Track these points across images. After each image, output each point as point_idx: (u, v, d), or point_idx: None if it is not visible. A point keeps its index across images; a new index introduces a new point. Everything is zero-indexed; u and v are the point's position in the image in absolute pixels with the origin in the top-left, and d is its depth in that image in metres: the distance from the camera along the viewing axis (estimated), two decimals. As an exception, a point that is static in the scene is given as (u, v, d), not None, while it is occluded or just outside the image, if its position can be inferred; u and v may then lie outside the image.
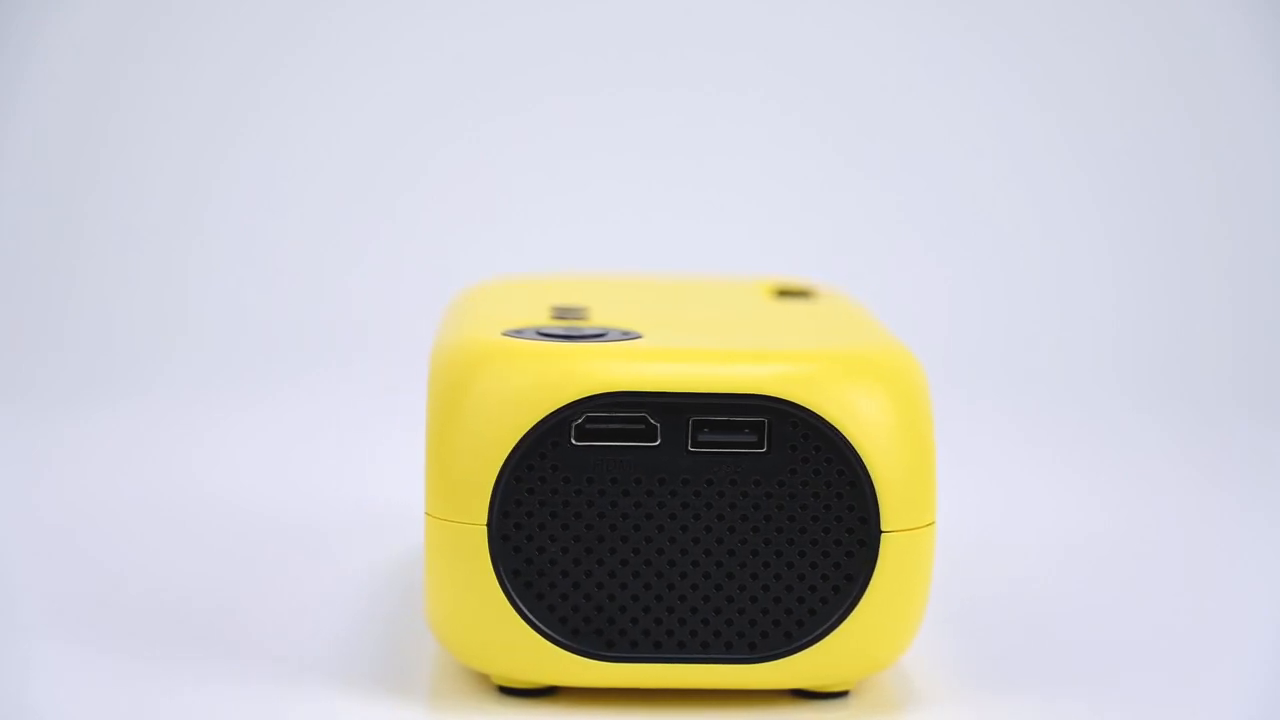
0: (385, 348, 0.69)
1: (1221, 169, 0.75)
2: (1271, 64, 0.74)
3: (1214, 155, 0.76)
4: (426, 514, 0.37)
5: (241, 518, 0.52)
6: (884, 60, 0.77)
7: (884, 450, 0.37)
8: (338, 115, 0.76)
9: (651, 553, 0.37)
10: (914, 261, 0.75)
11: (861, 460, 0.37)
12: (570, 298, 0.43)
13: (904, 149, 0.76)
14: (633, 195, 0.76)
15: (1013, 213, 0.76)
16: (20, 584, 0.46)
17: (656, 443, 0.37)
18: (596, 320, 0.40)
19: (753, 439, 0.37)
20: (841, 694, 0.39)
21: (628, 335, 0.39)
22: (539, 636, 0.37)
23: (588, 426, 0.37)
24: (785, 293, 0.46)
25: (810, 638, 0.37)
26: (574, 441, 0.37)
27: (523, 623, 0.37)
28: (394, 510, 0.51)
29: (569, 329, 0.39)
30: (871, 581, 0.37)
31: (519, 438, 0.36)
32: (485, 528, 0.37)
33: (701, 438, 0.37)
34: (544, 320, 0.40)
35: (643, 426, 0.37)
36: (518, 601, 0.37)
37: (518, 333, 0.39)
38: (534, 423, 0.36)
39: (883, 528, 0.37)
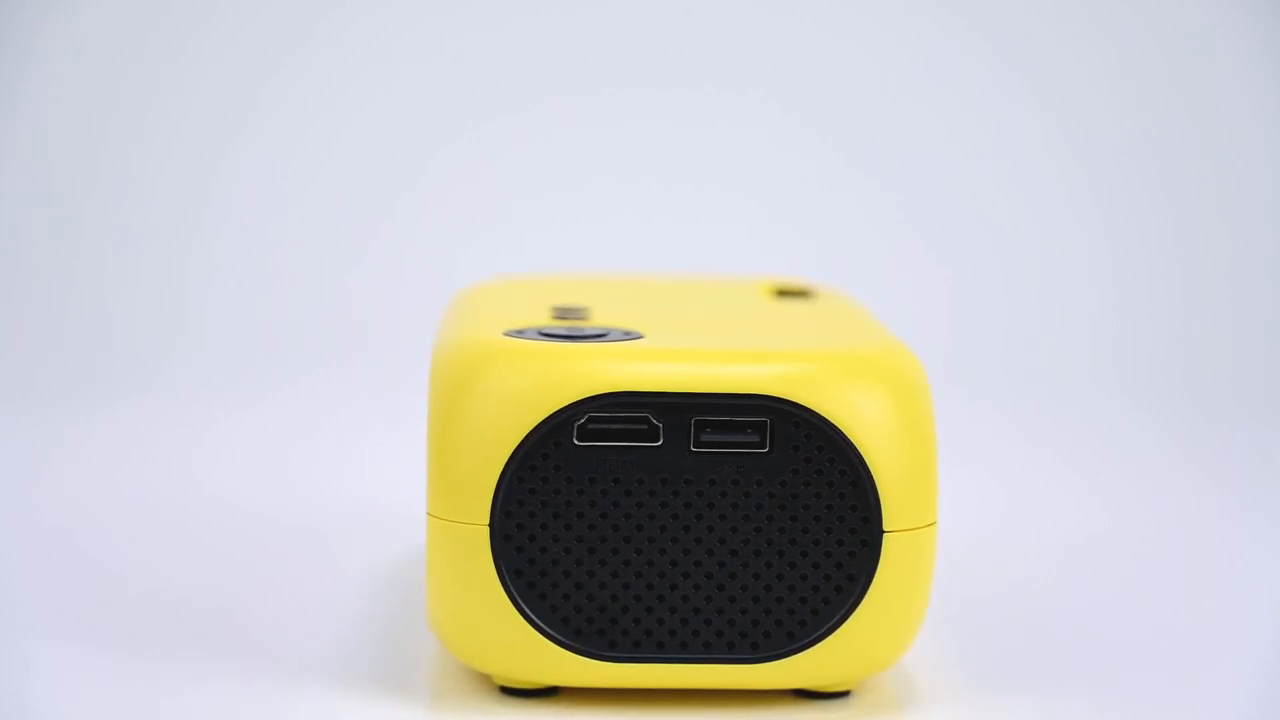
0: (385, 348, 0.69)
1: (1221, 169, 0.75)
2: (1271, 64, 0.74)
3: (1214, 155, 0.76)
4: (428, 514, 0.37)
5: (241, 518, 0.52)
6: (884, 60, 0.77)
7: (886, 450, 0.37)
8: (338, 115, 0.76)
9: (654, 553, 0.37)
10: (914, 261, 0.75)
11: (864, 460, 0.37)
12: (570, 298, 0.43)
13: (904, 149, 0.76)
14: (633, 195, 0.76)
15: (1013, 213, 0.76)
16: (20, 584, 0.46)
17: (659, 443, 0.37)
18: (597, 320, 0.40)
19: (755, 439, 0.37)
20: (843, 694, 0.39)
21: (629, 335, 0.39)
22: (541, 637, 0.37)
23: (590, 426, 0.37)
24: (785, 293, 0.46)
25: (812, 638, 0.37)
26: (576, 441, 0.37)
27: (525, 623, 0.37)
28: (394, 510, 0.51)
29: (570, 329, 0.39)
30: (873, 581, 0.37)
31: (521, 438, 0.36)
32: (487, 528, 0.37)
33: (704, 438, 0.37)
34: (545, 320, 0.40)
35: (645, 426, 0.37)
36: (520, 602, 0.37)
37: (519, 333, 0.39)
38: (536, 423, 0.36)
39: (885, 527, 0.37)
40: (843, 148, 0.76)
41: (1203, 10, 0.75)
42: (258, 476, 0.57)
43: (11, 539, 0.50)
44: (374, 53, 0.76)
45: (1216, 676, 0.42)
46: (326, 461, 0.59)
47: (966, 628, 0.44)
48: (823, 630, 0.37)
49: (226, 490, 0.55)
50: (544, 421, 0.36)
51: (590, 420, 0.37)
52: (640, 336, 0.38)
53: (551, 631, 0.37)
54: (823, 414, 0.37)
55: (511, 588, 0.37)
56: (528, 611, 0.37)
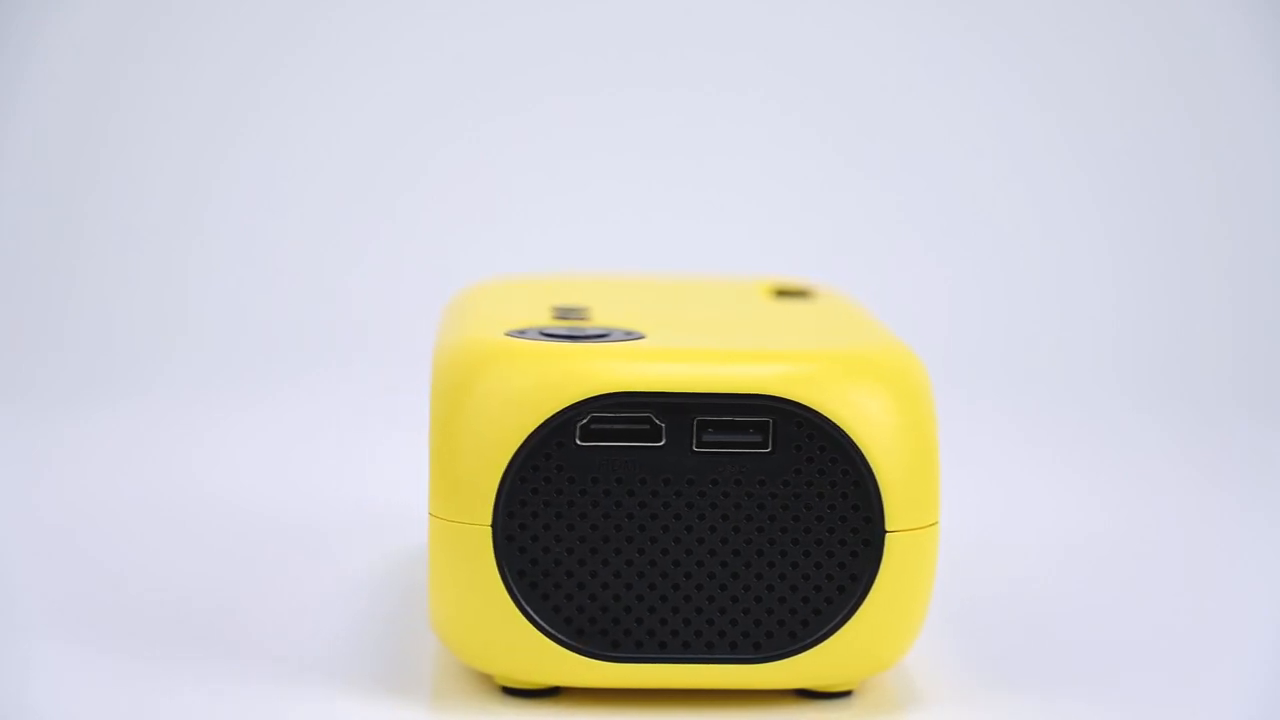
0: (385, 348, 0.69)
1: (1221, 169, 0.75)
2: (1271, 64, 0.74)
3: (1214, 155, 0.76)
4: (430, 515, 0.37)
5: (241, 518, 0.52)
6: (884, 60, 0.77)
7: (888, 450, 0.37)
8: (338, 115, 0.76)
9: (656, 553, 0.37)
10: (914, 261, 0.75)
11: (866, 460, 0.37)
12: (570, 298, 0.43)
13: (904, 149, 0.76)
14: (633, 195, 0.76)
15: (1013, 213, 0.76)
16: (20, 584, 0.46)
17: (661, 443, 0.37)
18: (598, 320, 0.40)
19: (757, 439, 0.37)
20: (845, 694, 0.39)
21: (631, 335, 0.39)
22: (543, 637, 0.37)
23: (592, 427, 0.37)
24: (784, 293, 0.46)
25: (815, 638, 0.37)
26: (579, 442, 0.37)
27: (527, 623, 0.37)
28: (394, 510, 0.51)
29: (572, 329, 0.39)
30: (876, 581, 0.37)
31: (523, 438, 0.36)
32: (490, 528, 0.37)
33: (706, 438, 0.37)
34: (545, 320, 0.40)
35: (647, 427, 0.37)
36: (522, 602, 0.37)
37: (521, 333, 0.39)
38: (539, 423, 0.36)
39: (887, 527, 0.37)
40: (843, 148, 0.76)
41: (1203, 10, 0.75)
42: (258, 476, 0.57)
43: (11, 539, 0.50)
44: (374, 53, 0.76)
45: (1216, 676, 0.42)
46: (326, 461, 0.59)
47: (967, 628, 0.44)
48: (825, 630, 0.37)
49: (226, 490, 0.55)
50: (546, 422, 0.36)
51: (593, 420, 0.37)
52: (642, 337, 0.38)
53: (554, 632, 0.37)
54: (825, 414, 0.37)
55: (514, 588, 0.37)
56: (530, 612, 0.37)
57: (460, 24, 0.76)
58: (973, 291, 0.74)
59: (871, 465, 0.37)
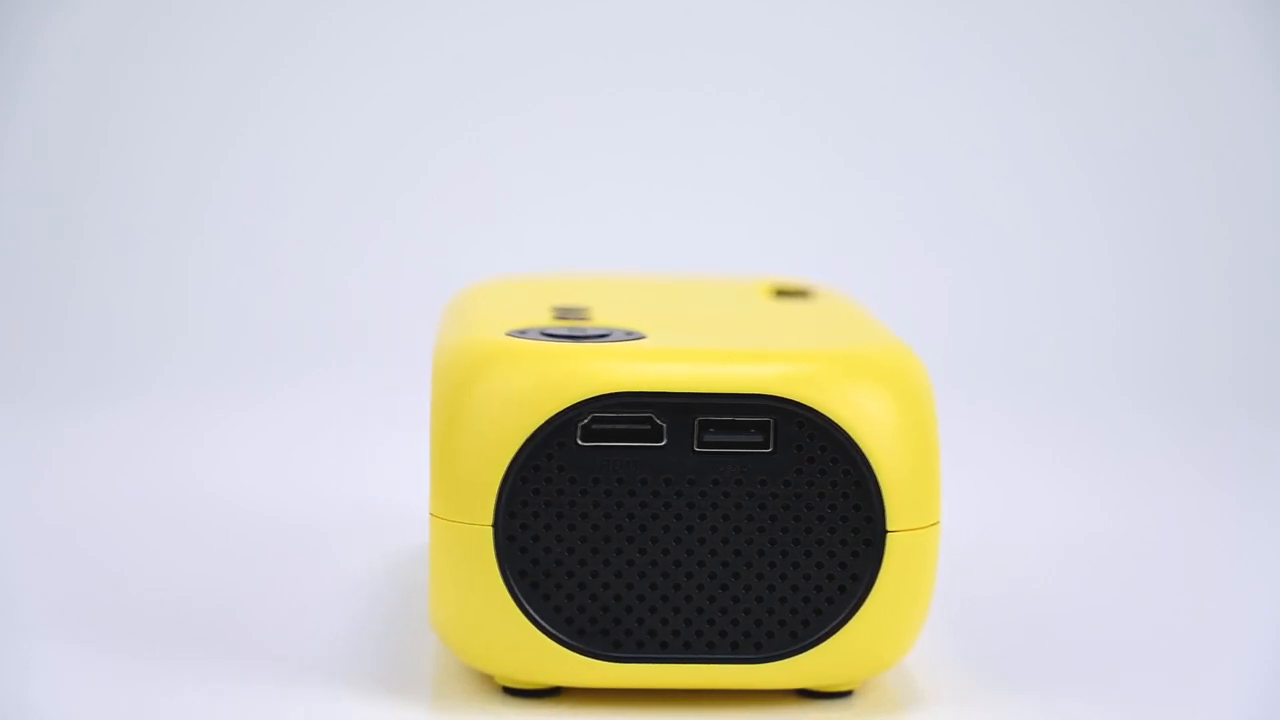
0: (385, 348, 0.69)
1: (1221, 169, 0.75)
2: (1271, 64, 0.74)
3: (1214, 155, 0.76)
4: (431, 515, 0.37)
5: (241, 518, 0.52)
6: (884, 60, 0.77)
7: (889, 450, 0.37)
8: (338, 115, 0.76)
9: (657, 553, 0.37)
10: (914, 261, 0.75)
11: (867, 460, 0.37)
12: (570, 298, 0.43)
13: (904, 149, 0.76)
14: (633, 195, 0.76)
15: (1013, 213, 0.76)
16: (20, 584, 0.46)
17: (662, 443, 0.37)
18: (598, 320, 0.40)
19: (758, 439, 0.37)
20: (845, 694, 0.39)
21: (631, 335, 0.39)
22: (545, 637, 0.37)
23: (594, 427, 0.37)
24: (784, 292, 0.46)
25: (816, 637, 0.37)
26: (580, 442, 0.37)
27: (528, 623, 0.37)
28: (394, 510, 0.51)
29: (573, 329, 0.39)
30: (877, 581, 0.37)
31: (525, 438, 0.36)
32: (491, 528, 0.37)
33: (707, 438, 0.37)
34: (546, 320, 0.40)
35: (649, 427, 0.37)
36: (523, 602, 0.37)
37: (522, 333, 0.38)
38: (540, 423, 0.36)
39: (888, 527, 0.37)
40: (843, 148, 0.76)
41: (1203, 10, 0.75)
42: (258, 476, 0.57)
43: (11, 539, 0.50)
44: (374, 53, 0.76)
45: (1216, 676, 0.42)
46: (326, 461, 0.59)
47: (967, 628, 0.44)
48: (826, 630, 0.37)
49: (226, 490, 0.55)
50: (548, 422, 0.36)
51: (594, 420, 0.37)
52: (643, 337, 0.38)
53: (555, 632, 0.37)
54: (826, 414, 0.37)
55: (515, 588, 0.37)
56: (531, 612, 0.37)
57: (460, 24, 0.76)
58: (973, 291, 0.74)
59: (873, 465, 0.37)
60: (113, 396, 0.65)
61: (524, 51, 0.76)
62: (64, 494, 0.54)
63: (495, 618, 0.37)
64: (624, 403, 0.36)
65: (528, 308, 0.42)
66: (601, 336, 0.38)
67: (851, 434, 0.37)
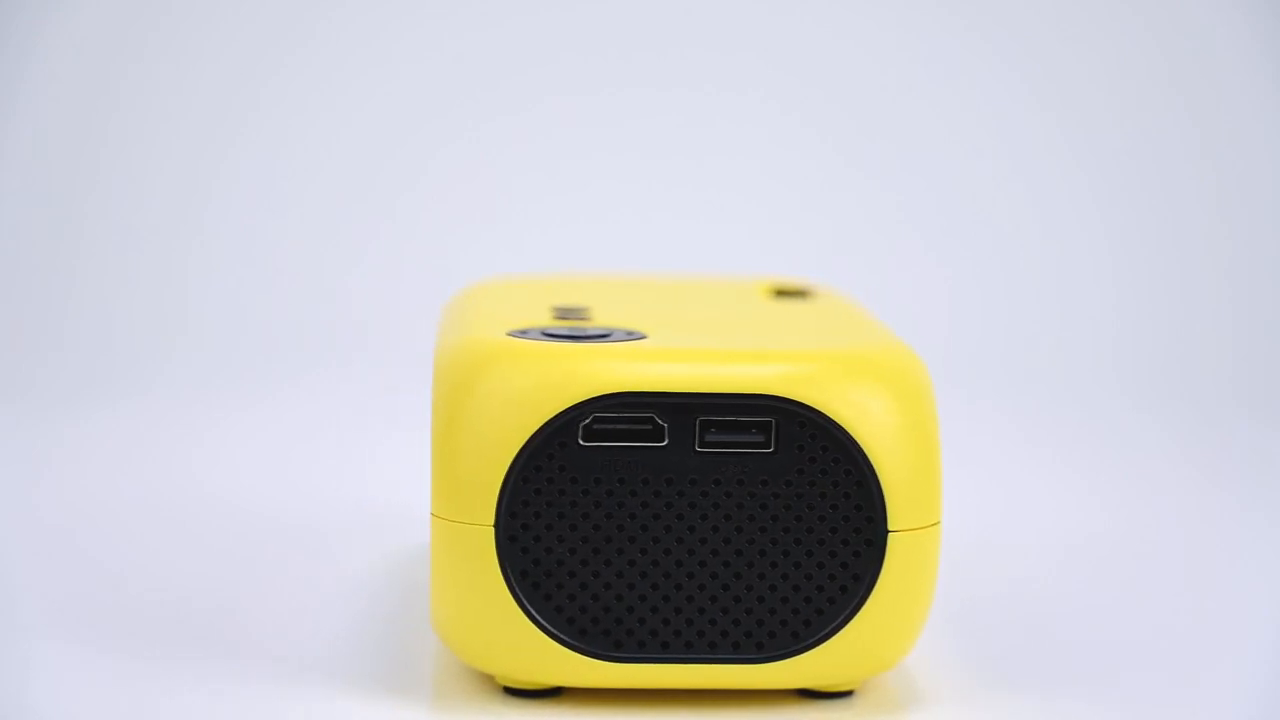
0: (385, 348, 0.69)
1: (1221, 169, 0.75)
2: (1271, 64, 0.74)
3: (1214, 155, 0.76)
4: (433, 515, 0.37)
5: (241, 518, 0.52)
6: (884, 60, 0.77)
7: (891, 450, 0.37)
8: (338, 115, 0.76)
9: (659, 553, 0.37)
10: (914, 261, 0.75)
11: (868, 460, 0.37)
12: (571, 298, 0.43)
13: (904, 149, 0.76)
14: (633, 195, 0.76)
15: (1013, 213, 0.76)
16: (20, 584, 0.46)
17: (664, 443, 0.37)
18: (598, 321, 0.40)
19: (760, 439, 0.37)
20: (846, 694, 0.39)
21: (632, 335, 0.39)
22: (546, 637, 0.37)
23: (595, 427, 0.37)
24: (784, 292, 0.46)
25: (817, 637, 0.37)
26: (581, 442, 0.37)
27: (530, 623, 0.37)
28: (394, 510, 0.51)
29: (574, 329, 0.39)
30: (878, 581, 0.37)
31: (526, 438, 0.36)
32: (492, 529, 0.37)
33: (709, 438, 0.37)
34: (546, 321, 0.40)
35: (650, 427, 0.37)
36: (525, 602, 0.37)
37: (522, 333, 0.38)
38: (541, 423, 0.36)
39: (889, 527, 0.37)
40: (843, 148, 0.76)
41: (1203, 10, 0.75)
42: (258, 476, 0.57)
43: (11, 539, 0.50)
44: (374, 53, 0.76)
45: (1216, 676, 0.42)
46: (326, 461, 0.59)
47: (967, 628, 0.44)
48: (827, 630, 0.37)
49: (226, 490, 0.55)
50: (549, 422, 0.36)
51: (595, 420, 0.37)
52: (644, 337, 0.38)
53: (556, 632, 0.37)
54: (827, 414, 0.37)
55: (516, 588, 0.37)
56: (532, 612, 0.37)
57: (460, 24, 0.76)
58: (973, 291, 0.74)
59: (874, 465, 0.37)
60: (113, 396, 0.65)
61: (524, 51, 0.76)
62: (64, 494, 0.54)
63: (496, 618, 0.37)
64: (625, 403, 0.36)
65: (528, 308, 0.42)
66: (602, 336, 0.38)
67: (853, 434, 0.37)
